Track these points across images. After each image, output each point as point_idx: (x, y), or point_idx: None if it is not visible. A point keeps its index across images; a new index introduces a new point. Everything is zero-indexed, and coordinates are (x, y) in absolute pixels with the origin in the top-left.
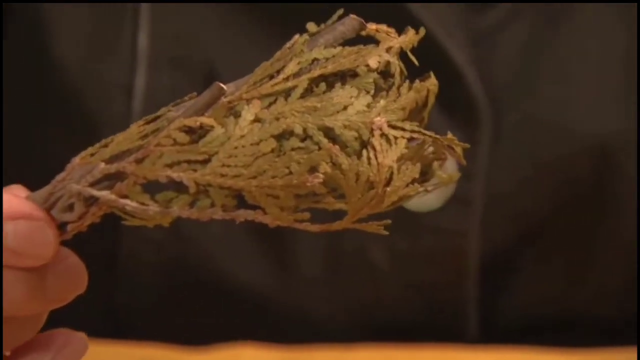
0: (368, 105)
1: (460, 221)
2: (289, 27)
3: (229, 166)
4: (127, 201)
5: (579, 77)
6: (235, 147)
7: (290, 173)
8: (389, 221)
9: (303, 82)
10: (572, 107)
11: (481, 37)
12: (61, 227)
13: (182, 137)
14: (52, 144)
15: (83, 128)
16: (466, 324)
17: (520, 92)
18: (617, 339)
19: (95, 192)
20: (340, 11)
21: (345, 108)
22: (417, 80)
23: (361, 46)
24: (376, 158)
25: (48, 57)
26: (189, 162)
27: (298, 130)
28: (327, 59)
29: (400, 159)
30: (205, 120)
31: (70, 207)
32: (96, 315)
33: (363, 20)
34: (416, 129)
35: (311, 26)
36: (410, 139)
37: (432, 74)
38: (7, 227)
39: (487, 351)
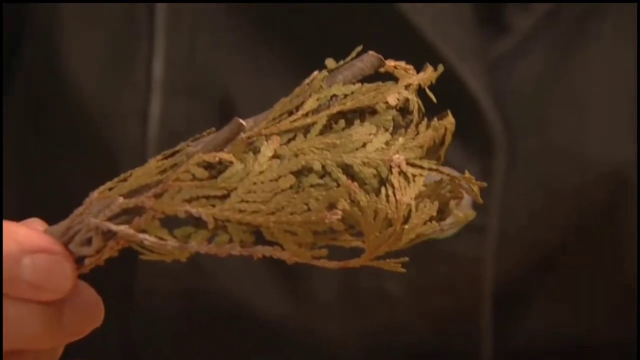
0: (387, 143)
1: (474, 249)
2: (303, 56)
3: (247, 202)
4: (146, 236)
5: (592, 104)
6: (254, 183)
7: (309, 209)
8: (407, 259)
9: (322, 118)
10: (585, 135)
11: (496, 64)
12: (79, 260)
13: (201, 173)
14: (67, 170)
15: (98, 154)
16: (480, 351)
17: (535, 120)
18: None
19: (113, 227)
20: (359, 48)
21: (364, 145)
22: (435, 119)
23: (380, 83)
24: (394, 196)
25: (63, 83)
26: (207, 197)
27: (317, 167)
28: (345, 96)
29: (418, 197)
30: (224, 155)
31: (88, 241)
32: (113, 348)
33: (382, 57)
34: (434, 167)
35: (330, 62)
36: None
37: (449, 112)
38: (26, 260)
39: None
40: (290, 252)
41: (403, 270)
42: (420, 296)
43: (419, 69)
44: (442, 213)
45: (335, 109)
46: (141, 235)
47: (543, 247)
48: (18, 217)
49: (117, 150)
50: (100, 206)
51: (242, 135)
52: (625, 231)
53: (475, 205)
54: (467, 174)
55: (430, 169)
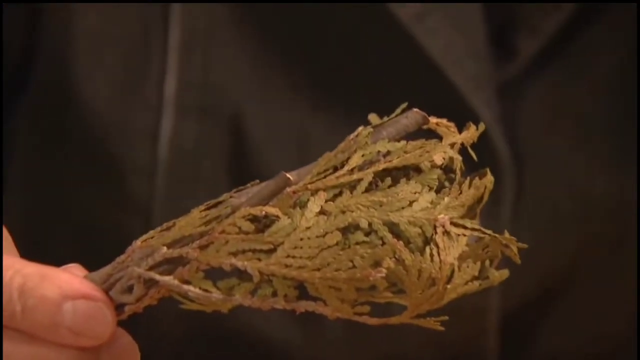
0: (432, 202)
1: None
2: (315, 78)
3: (294, 257)
4: (190, 287)
5: (598, 132)
6: (301, 239)
7: (354, 267)
8: (446, 317)
9: (368, 175)
10: (591, 167)
11: (505, 90)
12: (118, 307)
13: (248, 226)
14: (76, 187)
15: (108, 173)
16: None
17: (542, 149)
18: None
19: (157, 277)
20: (404, 105)
21: (410, 204)
22: (476, 177)
23: (424, 141)
24: (439, 255)
25: (75, 100)
26: (253, 251)
27: (364, 224)
28: (390, 152)
29: (460, 257)
30: (271, 210)
31: (129, 289)
32: None
33: (426, 115)
34: (477, 227)
35: (373, 118)
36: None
37: (488, 170)
38: (67, 306)
39: None
40: (333, 308)
41: (442, 328)
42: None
43: (432, 99)
44: (480, 272)
45: (381, 165)
46: (186, 287)
47: (549, 277)
48: (24, 232)
49: (127, 168)
50: (142, 254)
51: (288, 189)
52: (630, 263)
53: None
54: (506, 234)
55: (473, 229)
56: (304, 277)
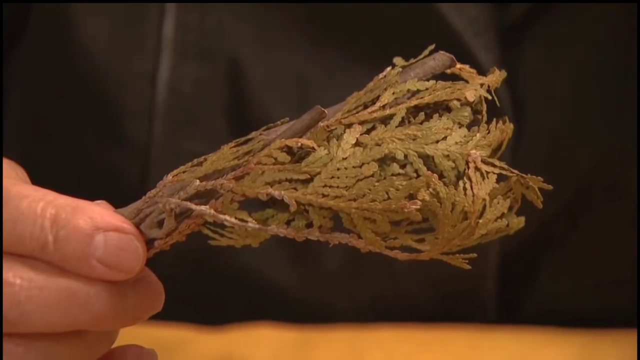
0: (464, 138)
1: None
2: (313, 23)
3: (330, 187)
4: (227, 217)
5: (597, 79)
6: (338, 169)
7: (389, 198)
8: (475, 255)
9: (401, 110)
10: (589, 115)
11: (505, 36)
12: (147, 243)
13: (283, 157)
14: (75, 130)
15: (105, 115)
16: (485, 318)
17: (542, 97)
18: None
19: (194, 207)
20: (432, 47)
21: (444, 138)
22: (499, 122)
23: (451, 82)
24: (472, 189)
25: (72, 45)
26: (290, 181)
27: (399, 156)
28: (419, 91)
29: (490, 194)
30: (306, 142)
31: (159, 224)
32: None
33: (453, 57)
34: (505, 166)
35: (398, 60)
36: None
37: (507, 118)
38: (98, 237)
39: (506, 331)
40: (366, 240)
41: (469, 267)
42: (425, 264)
43: (431, 42)
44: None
45: (413, 102)
46: (222, 216)
47: (547, 222)
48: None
49: (124, 111)
50: (173, 189)
51: (322, 123)
52: (628, 208)
53: None
54: (532, 176)
55: (502, 168)
56: (340, 207)
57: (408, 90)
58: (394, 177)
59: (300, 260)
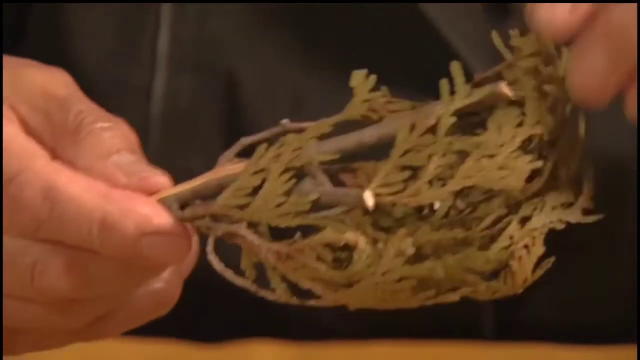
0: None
1: None
2: (309, 35)
3: (368, 295)
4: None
5: None
6: (377, 283)
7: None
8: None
9: (445, 202)
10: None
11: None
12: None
13: (327, 255)
14: None
15: None
16: (481, 334)
17: None
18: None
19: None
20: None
21: (488, 247)
22: None
23: None
24: (513, 279)
25: (67, 59)
26: (332, 281)
27: (439, 274)
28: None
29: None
30: (351, 237)
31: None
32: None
33: None
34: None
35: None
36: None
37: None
38: (145, 240)
39: (502, 348)
40: None
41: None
42: None
43: (429, 58)
44: None
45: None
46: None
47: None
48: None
49: None
50: (222, 183)
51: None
52: (626, 209)
53: None
54: None
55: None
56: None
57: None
58: (430, 294)
59: None
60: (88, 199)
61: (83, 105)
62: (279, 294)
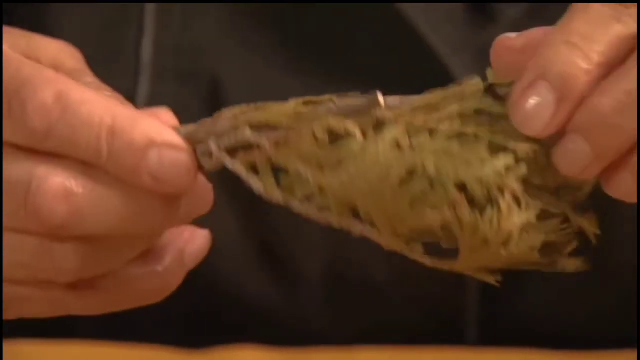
0: (508, 168)
1: None
2: (293, 42)
3: (354, 180)
4: (255, 180)
5: None
6: (367, 164)
7: (411, 207)
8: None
9: (454, 125)
10: None
11: (483, 54)
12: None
13: (323, 137)
14: None
15: None
16: (465, 337)
17: None
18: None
19: (227, 162)
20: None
21: (483, 163)
22: None
23: None
24: (499, 220)
25: None
26: (319, 162)
27: (430, 169)
28: (490, 114)
29: (526, 228)
30: (351, 126)
31: (209, 154)
32: (94, 317)
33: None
34: (554, 202)
35: (491, 73)
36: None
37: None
38: (152, 152)
39: (487, 353)
40: (385, 240)
41: (496, 284)
42: (406, 283)
43: (411, 62)
44: (552, 256)
45: (470, 128)
46: (251, 180)
47: None
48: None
49: None
50: (226, 126)
51: (376, 112)
52: (619, 217)
53: None
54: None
55: (547, 203)
56: (359, 202)
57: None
58: (418, 187)
59: (282, 281)
60: (99, 104)
61: (90, 78)
62: (265, 188)
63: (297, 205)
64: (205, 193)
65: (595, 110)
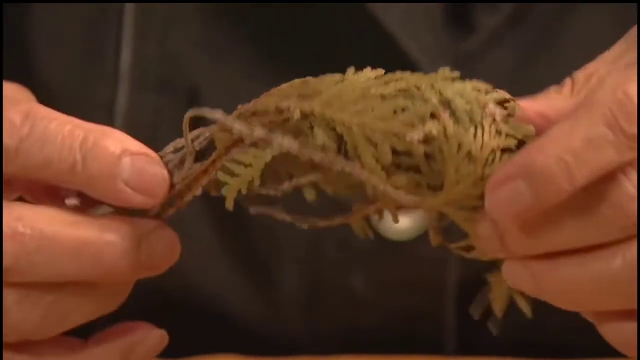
0: (486, 91)
1: (439, 250)
2: (271, 51)
3: (335, 99)
4: (236, 123)
5: None
6: (347, 87)
7: (394, 117)
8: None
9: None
10: None
11: (462, 64)
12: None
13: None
14: None
15: None
16: (444, 350)
17: None
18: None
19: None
20: None
21: (463, 81)
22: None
23: None
24: (482, 136)
25: (30, 74)
26: (300, 94)
27: (412, 88)
28: None
29: (502, 151)
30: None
31: (181, 163)
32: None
33: None
34: (530, 135)
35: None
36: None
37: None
38: (126, 160)
39: None
40: (368, 167)
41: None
42: (385, 295)
43: (389, 70)
44: None
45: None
46: (232, 122)
47: None
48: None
49: None
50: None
51: None
52: None
53: None
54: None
55: (525, 136)
56: (343, 119)
57: None
58: (401, 98)
59: (259, 291)
60: (68, 119)
61: None
62: (255, 129)
63: (280, 140)
64: (169, 239)
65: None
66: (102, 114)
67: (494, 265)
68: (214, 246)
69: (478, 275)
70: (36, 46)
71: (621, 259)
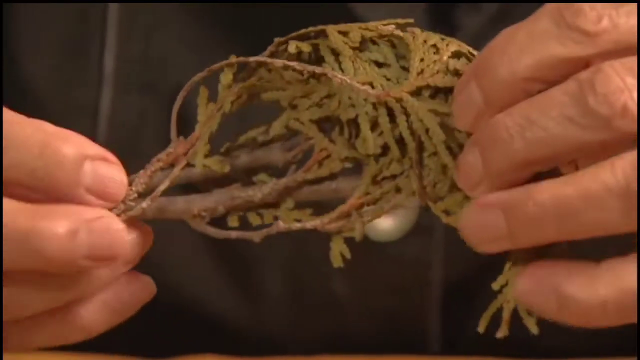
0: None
1: (423, 251)
2: (258, 52)
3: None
4: None
5: None
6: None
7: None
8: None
9: None
10: None
11: None
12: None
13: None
14: None
15: None
16: (428, 348)
17: None
18: None
19: None
20: None
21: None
22: None
23: None
24: (447, 45)
25: (14, 76)
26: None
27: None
28: None
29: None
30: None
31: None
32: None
33: None
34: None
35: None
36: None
37: None
38: (87, 165)
39: None
40: (340, 48)
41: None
42: (368, 297)
43: None
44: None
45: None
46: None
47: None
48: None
49: None
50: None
51: None
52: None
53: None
54: None
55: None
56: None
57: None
58: None
59: (243, 293)
60: (29, 124)
61: None
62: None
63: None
64: (113, 232)
65: (493, 126)
66: (86, 117)
67: (478, 266)
68: (198, 246)
69: (461, 276)
70: (19, 49)
71: (610, 172)
